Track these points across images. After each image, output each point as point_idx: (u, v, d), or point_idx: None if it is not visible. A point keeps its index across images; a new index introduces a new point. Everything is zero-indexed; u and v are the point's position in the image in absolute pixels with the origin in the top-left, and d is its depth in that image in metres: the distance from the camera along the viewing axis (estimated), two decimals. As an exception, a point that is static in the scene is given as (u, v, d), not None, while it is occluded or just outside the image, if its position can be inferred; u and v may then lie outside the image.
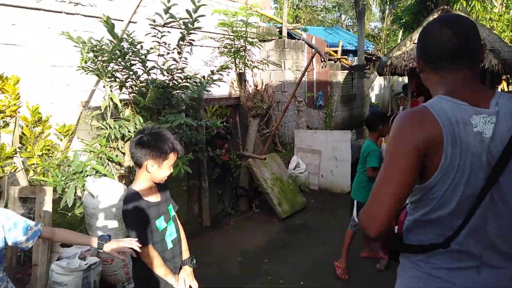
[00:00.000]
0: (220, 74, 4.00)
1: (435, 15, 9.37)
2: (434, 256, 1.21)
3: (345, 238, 3.64)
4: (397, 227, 1.35)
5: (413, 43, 9.69)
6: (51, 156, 3.32)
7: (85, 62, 3.51)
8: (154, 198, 1.98)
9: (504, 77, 11.16)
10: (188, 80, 3.97)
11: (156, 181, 1.97)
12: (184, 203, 4.75)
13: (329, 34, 16.18)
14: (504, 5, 15.41)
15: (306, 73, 9.06)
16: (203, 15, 3.44)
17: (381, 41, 19.84)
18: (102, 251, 1.82)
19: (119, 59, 3.46)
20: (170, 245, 2.00)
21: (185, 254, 2.16)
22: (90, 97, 5.04)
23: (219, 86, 4.35)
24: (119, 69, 3.61)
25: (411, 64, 9.29)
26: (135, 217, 1.89)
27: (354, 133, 7.88)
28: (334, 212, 5.06)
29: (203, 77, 3.95)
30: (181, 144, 3.95)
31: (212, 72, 3.95)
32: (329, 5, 29.19)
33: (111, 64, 3.55)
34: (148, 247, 1.88)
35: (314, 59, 9.62)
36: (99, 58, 3.54)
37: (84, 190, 3.34)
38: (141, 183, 1.95)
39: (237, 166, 5.25)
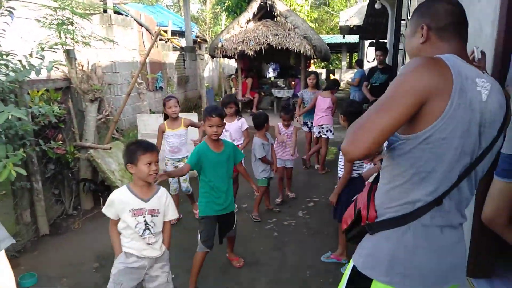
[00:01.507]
0: (54, 51, 3.29)
1: (258, 1, 10.10)
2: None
3: (194, 261, 2.99)
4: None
5: (240, 26, 10.27)
6: None
7: None
8: None
9: (312, 61, 13.09)
10: (5, 57, 3.13)
11: None
12: (10, 211, 3.84)
13: (152, 13, 15.52)
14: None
15: (137, 52, 8.48)
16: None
17: (204, 23, 20.28)
18: None
19: None
20: None
21: None
22: None
23: (58, 69, 3.58)
24: None
25: (240, 47, 9.87)
26: None
27: (194, 114, 7.86)
28: (184, 195, 4.94)
29: (30, 54, 3.17)
30: (5, 138, 3.13)
31: (43, 49, 3.20)
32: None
33: None
34: None
35: (145, 39, 9.08)
36: None
37: None
38: None
39: (76, 159, 4.53)
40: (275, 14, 10.03)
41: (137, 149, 2.26)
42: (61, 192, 4.42)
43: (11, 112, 2.76)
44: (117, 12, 8.60)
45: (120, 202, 2.27)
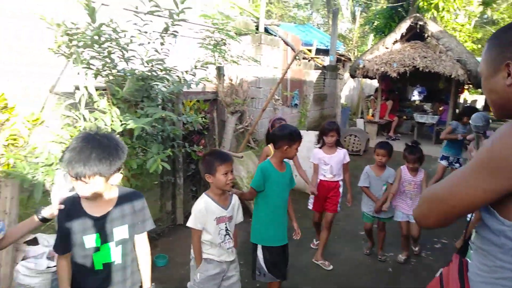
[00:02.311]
0: (204, 69, 3.86)
1: (407, 22, 9.64)
2: None
3: None
4: None
5: (385, 47, 9.95)
6: (17, 146, 3.04)
7: (59, 47, 3.26)
8: (96, 211, 1.75)
9: (466, 87, 11.76)
10: (168, 72, 3.80)
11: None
12: (157, 199, 4.58)
13: (301, 31, 16.26)
14: (467, 16, 16.19)
15: (280, 70, 9.05)
16: (189, 7, 3.28)
17: (351, 42, 20.20)
18: (41, 217, 1.76)
19: (97, 46, 3.23)
20: (99, 266, 1.78)
21: (145, 284, 1.96)
22: (56, 82, 4.72)
23: (204, 84, 4.19)
24: (95, 56, 3.38)
25: (382, 68, 9.55)
26: (60, 222, 1.72)
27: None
28: (307, 213, 5.05)
29: (186, 71, 3.79)
30: (160, 138, 3.77)
31: (196, 67, 3.79)
32: (301, 2, 29.43)
33: (87, 50, 3.32)
34: (59, 256, 1.76)
35: (289, 57, 9.61)
36: (73, 43, 3.29)
37: (53, 184, 3.10)
38: None
39: (213, 163, 5.12)
40: (426, 35, 9.39)
41: (215, 160, 2.37)
42: (197, 189, 5.04)
43: (164, 113, 3.34)
44: (266, 32, 9.37)
45: (209, 212, 2.39)
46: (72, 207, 1.72)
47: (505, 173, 0.92)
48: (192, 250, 2.52)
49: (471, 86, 11.12)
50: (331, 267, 3.77)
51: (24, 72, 4.50)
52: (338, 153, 3.82)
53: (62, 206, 1.72)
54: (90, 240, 1.72)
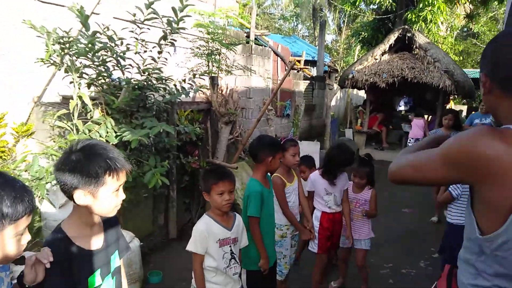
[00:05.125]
0: (202, 79, 3.77)
1: (396, 34, 9.77)
2: None
3: None
4: None
5: (374, 58, 10.07)
6: (6, 159, 2.87)
7: (50, 56, 3.12)
8: (92, 243, 1.45)
9: (451, 97, 12.00)
10: (164, 82, 3.69)
11: (101, 215, 1.45)
12: (149, 213, 4.42)
13: (288, 43, 16.36)
14: (449, 28, 16.63)
15: (271, 80, 9.03)
16: (189, 15, 3.20)
17: (338, 54, 20.46)
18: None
19: (91, 54, 3.11)
20: None
21: None
22: (43, 93, 4.54)
23: (203, 92, 4.10)
24: (89, 65, 3.25)
25: (371, 79, 9.64)
26: (55, 272, 1.28)
27: (317, 143, 7.93)
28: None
29: (184, 80, 3.69)
30: (155, 150, 3.64)
31: (194, 76, 3.70)
32: (286, 14, 29.75)
33: (80, 59, 3.19)
34: None
35: (279, 68, 9.61)
36: (66, 51, 3.16)
37: (43, 199, 2.95)
38: (73, 220, 1.42)
39: (207, 174, 5.00)
40: (414, 46, 9.55)
41: (210, 177, 2.11)
42: (191, 202, 4.91)
43: (162, 127, 3.22)
44: (257, 43, 9.35)
45: (211, 233, 2.09)
46: (65, 250, 1.35)
47: (455, 165, 1.07)
48: (193, 280, 2.18)
49: (456, 96, 11.34)
50: None
51: (8, 80, 4.31)
52: (340, 178, 3.21)
53: (51, 258, 1.26)
54: (94, 279, 1.44)
